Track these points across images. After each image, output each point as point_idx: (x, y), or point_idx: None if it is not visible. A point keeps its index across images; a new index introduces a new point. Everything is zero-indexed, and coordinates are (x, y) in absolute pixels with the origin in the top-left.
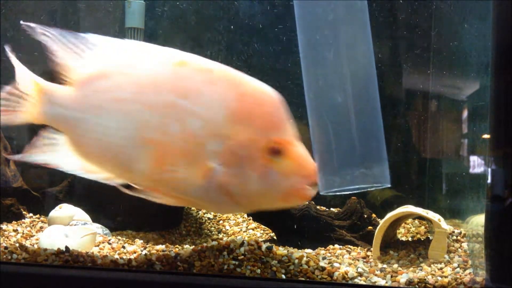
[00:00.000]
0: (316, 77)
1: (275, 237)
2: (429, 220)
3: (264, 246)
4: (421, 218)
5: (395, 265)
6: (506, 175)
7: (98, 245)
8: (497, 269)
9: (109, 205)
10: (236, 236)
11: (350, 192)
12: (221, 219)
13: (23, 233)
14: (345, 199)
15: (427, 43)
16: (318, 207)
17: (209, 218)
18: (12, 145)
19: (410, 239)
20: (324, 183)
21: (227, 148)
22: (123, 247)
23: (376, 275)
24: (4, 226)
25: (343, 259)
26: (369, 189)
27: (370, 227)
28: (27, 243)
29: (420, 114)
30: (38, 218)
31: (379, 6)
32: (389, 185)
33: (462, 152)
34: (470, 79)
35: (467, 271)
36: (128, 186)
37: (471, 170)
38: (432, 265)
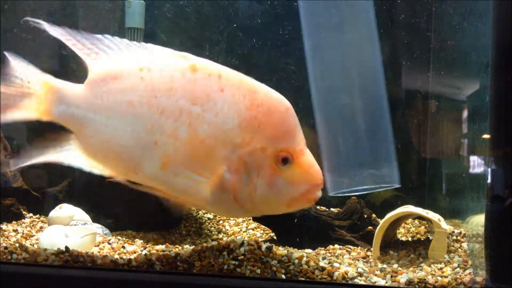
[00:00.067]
0: (323, 78)
1: (275, 237)
2: (429, 220)
3: (264, 246)
4: (421, 218)
5: (395, 265)
6: (506, 175)
7: (98, 245)
8: (497, 269)
9: (109, 205)
10: (236, 236)
11: (359, 193)
12: (221, 219)
13: (23, 233)
14: (345, 199)
15: (427, 43)
16: (318, 207)
17: (209, 218)
18: (12, 145)
19: (410, 239)
20: (332, 184)
21: (236, 156)
22: (123, 247)
23: (376, 275)
24: (4, 226)
25: (343, 259)
26: (377, 190)
27: (370, 227)
28: (27, 243)
29: (420, 114)
30: (38, 218)
31: (378, 6)
32: (398, 185)
33: (462, 152)
34: (470, 79)
35: (467, 271)
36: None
37: (471, 170)
38: (432, 265)
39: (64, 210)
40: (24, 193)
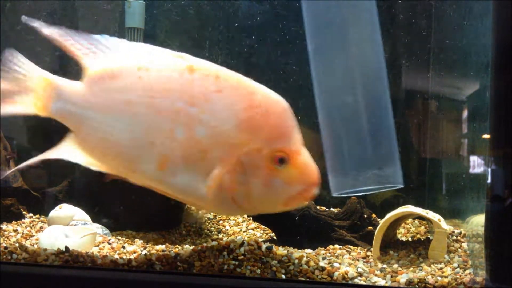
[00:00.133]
0: (326, 78)
1: (275, 237)
2: (429, 220)
3: (264, 246)
4: (421, 218)
5: (395, 265)
6: (506, 175)
7: (98, 245)
8: (497, 269)
9: (109, 205)
10: (236, 236)
11: (362, 194)
12: (221, 219)
13: (23, 233)
14: (345, 199)
15: (427, 43)
16: (318, 207)
17: (209, 218)
18: (12, 145)
19: (410, 239)
20: (336, 185)
21: (233, 156)
22: (123, 247)
23: (376, 275)
24: (4, 226)
25: (343, 259)
26: (381, 190)
27: (370, 227)
28: (27, 243)
29: (420, 114)
30: (38, 218)
31: (378, 6)
32: (401, 186)
33: (462, 152)
34: (470, 79)
35: (467, 271)
36: None
37: (471, 170)
38: (432, 265)
39: (64, 210)
40: (24, 193)
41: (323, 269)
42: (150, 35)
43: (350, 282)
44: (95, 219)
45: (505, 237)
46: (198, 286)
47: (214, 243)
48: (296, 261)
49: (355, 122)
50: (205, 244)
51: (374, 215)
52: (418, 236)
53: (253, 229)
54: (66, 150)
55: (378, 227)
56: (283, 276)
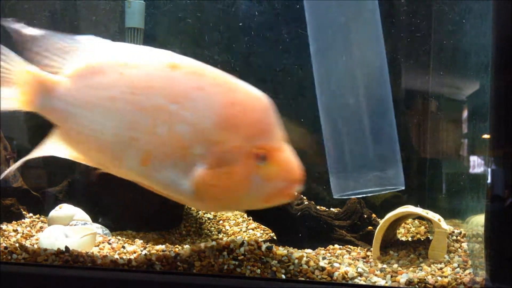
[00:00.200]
0: (328, 80)
1: (275, 237)
2: (429, 220)
3: (264, 246)
4: (421, 218)
5: (395, 265)
6: (506, 175)
7: (98, 245)
8: (497, 269)
9: (109, 205)
10: (236, 236)
11: (363, 196)
12: (221, 219)
13: (23, 233)
14: (345, 199)
15: (427, 43)
16: (318, 207)
17: (209, 218)
18: (12, 145)
19: (410, 239)
20: (338, 187)
21: (213, 154)
22: (123, 247)
23: (376, 275)
24: (4, 226)
25: (343, 259)
26: (382, 192)
27: (370, 227)
28: (27, 243)
29: (420, 114)
30: (38, 218)
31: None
32: (403, 188)
33: (462, 152)
34: (470, 79)
35: (467, 271)
36: None
37: (471, 170)
38: (432, 265)
39: (64, 210)
40: (24, 193)
41: (323, 269)
42: (150, 35)
43: (350, 282)
44: (95, 219)
45: (505, 237)
46: (198, 286)
47: (214, 243)
48: (296, 261)
49: (356, 123)
50: (202, 244)
51: (374, 215)
52: (418, 236)
53: (253, 229)
54: (52, 146)
55: (378, 227)
56: (283, 276)
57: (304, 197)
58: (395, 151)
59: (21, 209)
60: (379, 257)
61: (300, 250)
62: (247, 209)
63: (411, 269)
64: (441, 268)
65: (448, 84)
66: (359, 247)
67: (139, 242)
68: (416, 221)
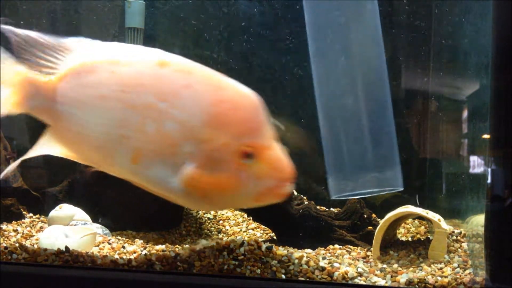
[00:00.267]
0: (327, 81)
1: (275, 237)
2: (429, 220)
3: (264, 246)
4: (421, 218)
5: (395, 265)
6: (506, 175)
7: (98, 245)
8: (497, 269)
9: (109, 205)
10: (236, 236)
11: (361, 196)
12: (221, 219)
13: (23, 233)
14: (345, 199)
15: (427, 43)
16: (318, 207)
17: (209, 218)
18: (12, 145)
19: (410, 239)
20: (336, 188)
21: (202, 151)
22: (123, 247)
23: (376, 275)
24: (4, 226)
25: (343, 259)
26: (381, 193)
27: (370, 227)
28: (27, 243)
29: (420, 114)
30: (38, 218)
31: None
32: (401, 189)
33: (462, 152)
34: (470, 79)
35: (467, 271)
36: None
37: (471, 170)
38: (432, 265)
39: (64, 210)
40: (24, 193)
41: (323, 269)
42: (150, 35)
43: (350, 282)
44: (95, 219)
45: (505, 237)
46: (198, 286)
47: (213, 243)
48: (296, 261)
49: (355, 124)
50: (201, 242)
51: (374, 215)
52: (418, 236)
53: (253, 229)
54: (46, 145)
55: (378, 227)
56: (283, 276)
57: (304, 197)
58: (394, 152)
59: (21, 209)
60: (379, 257)
61: (300, 250)
62: (238, 207)
63: (411, 269)
64: (441, 268)
65: (448, 84)
66: (359, 247)
67: (139, 242)
68: (416, 221)
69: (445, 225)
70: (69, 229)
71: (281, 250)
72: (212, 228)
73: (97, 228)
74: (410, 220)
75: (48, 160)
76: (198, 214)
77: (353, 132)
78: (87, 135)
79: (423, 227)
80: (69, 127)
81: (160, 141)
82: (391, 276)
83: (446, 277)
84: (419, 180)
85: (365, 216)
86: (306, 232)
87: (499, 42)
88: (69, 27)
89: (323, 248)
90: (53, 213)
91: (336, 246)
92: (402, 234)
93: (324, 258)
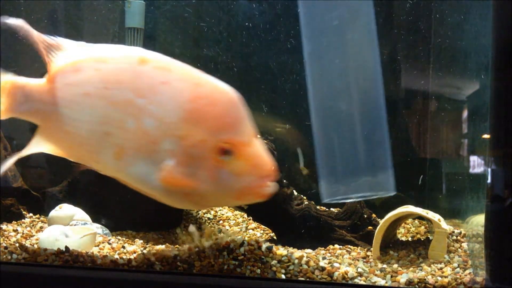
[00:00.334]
0: (320, 83)
1: (275, 237)
2: (429, 220)
3: (264, 246)
4: (421, 218)
5: (395, 265)
6: (506, 175)
7: (98, 245)
8: (497, 269)
9: (109, 205)
10: (236, 236)
11: (354, 200)
12: (221, 219)
13: (23, 233)
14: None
15: (427, 43)
16: (318, 207)
17: (209, 218)
18: (12, 145)
19: (410, 239)
20: (328, 191)
21: (180, 148)
22: (123, 247)
23: (376, 275)
24: (4, 226)
25: (343, 259)
26: (373, 197)
27: (370, 227)
28: (27, 243)
29: (420, 114)
30: (38, 218)
31: (378, 6)
32: (393, 193)
33: (462, 152)
34: (470, 79)
35: (467, 271)
36: None
37: (471, 170)
38: (432, 265)
39: (64, 210)
40: (24, 193)
41: (323, 269)
42: (150, 35)
43: (350, 282)
44: (95, 219)
45: (505, 237)
46: (198, 286)
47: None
48: (296, 261)
49: (348, 128)
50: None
51: (374, 215)
52: (418, 236)
53: (253, 229)
54: (37, 144)
55: (378, 227)
56: (283, 276)
57: (304, 197)
58: (386, 155)
59: (21, 209)
60: (379, 257)
61: (300, 250)
62: (219, 206)
63: (411, 269)
64: (441, 268)
65: (448, 84)
66: (359, 247)
67: (139, 242)
68: (416, 221)
69: (445, 225)
70: (69, 229)
71: (281, 250)
72: (212, 228)
73: (97, 228)
74: (410, 220)
75: (48, 160)
76: (198, 214)
77: (346, 135)
78: (74, 133)
79: (423, 227)
80: (59, 126)
81: (140, 138)
82: (391, 276)
83: (446, 277)
84: (419, 180)
85: (365, 216)
86: (306, 232)
87: (499, 42)
88: (69, 27)
89: (323, 248)
90: (53, 213)
91: (336, 246)
92: (402, 234)
93: (324, 258)
